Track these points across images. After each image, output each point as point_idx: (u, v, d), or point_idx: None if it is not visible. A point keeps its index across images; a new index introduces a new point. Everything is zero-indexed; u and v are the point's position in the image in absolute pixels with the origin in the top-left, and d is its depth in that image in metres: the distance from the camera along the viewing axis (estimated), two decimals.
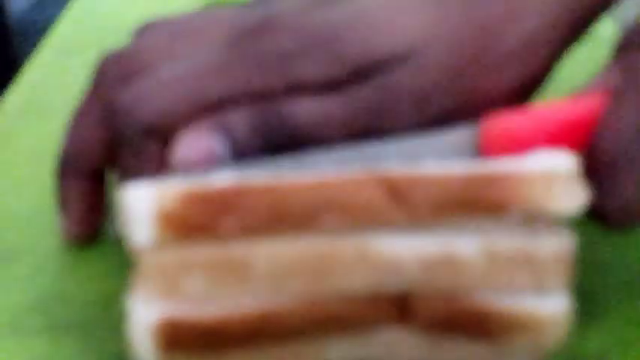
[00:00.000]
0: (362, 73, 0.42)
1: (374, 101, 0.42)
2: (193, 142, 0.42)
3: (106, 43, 0.71)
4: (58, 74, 0.66)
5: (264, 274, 0.36)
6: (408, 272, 0.36)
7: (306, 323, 0.36)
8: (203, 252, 0.36)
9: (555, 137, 0.40)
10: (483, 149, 0.41)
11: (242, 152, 0.42)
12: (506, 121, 0.41)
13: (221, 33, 0.45)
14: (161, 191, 0.36)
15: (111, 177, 0.52)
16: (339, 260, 0.36)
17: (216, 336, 0.36)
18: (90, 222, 0.49)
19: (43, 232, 0.50)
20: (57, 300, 0.45)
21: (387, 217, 0.36)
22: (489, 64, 0.42)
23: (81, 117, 0.47)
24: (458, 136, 0.41)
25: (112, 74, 0.46)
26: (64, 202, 0.48)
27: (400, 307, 0.37)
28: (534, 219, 0.36)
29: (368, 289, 0.36)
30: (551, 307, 0.37)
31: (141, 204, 0.36)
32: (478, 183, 0.36)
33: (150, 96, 0.43)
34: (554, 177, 0.36)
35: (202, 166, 0.41)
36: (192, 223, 0.35)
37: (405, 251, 0.36)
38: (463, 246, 0.36)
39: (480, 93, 0.43)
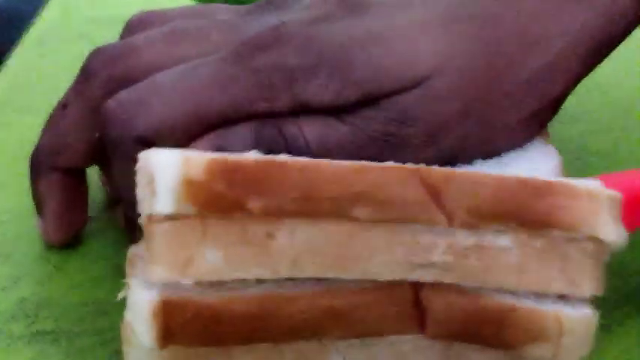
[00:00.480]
0: (372, 98, 0.40)
1: (385, 129, 0.39)
2: None
3: (91, 34, 0.69)
4: (40, 66, 0.65)
5: (285, 250, 0.34)
6: (439, 258, 0.34)
7: (311, 316, 0.35)
8: (222, 222, 0.34)
9: None
10: None
11: None
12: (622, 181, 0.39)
13: (223, 40, 0.42)
14: (187, 159, 0.34)
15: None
16: (367, 242, 0.34)
17: (219, 321, 0.35)
18: (69, 223, 0.47)
19: (26, 236, 0.48)
20: (41, 306, 0.44)
21: (427, 218, 0.34)
22: (505, 93, 0.40)
23: (63, 114, 0.45)
24: None
25: (104, 74, 0.43)
26: (40, 201, 0.46)
27: (415, 306, 0.35)
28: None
29: (393, 275, 0.35)
30: (575, 315, 0.35)
31: (164, 170, 0.34)
32: (523, 198, 0.34)
33: (146, 105, 0.40)
34: (602, 205, 0.35)
35: None
36: (217, 197, 0.33)
37: (438, 237, 0.34)
38: (498, 236, 0.35)
39: (495, 121, 0.41)
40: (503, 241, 0.35)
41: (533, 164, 0.41)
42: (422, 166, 0.35)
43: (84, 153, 0.45)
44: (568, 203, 0.35)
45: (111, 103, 0.41)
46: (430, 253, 0.34)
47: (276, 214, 0.34)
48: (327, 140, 0.39)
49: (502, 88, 0.40)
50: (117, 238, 0.47)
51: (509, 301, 0.35)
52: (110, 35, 0.67)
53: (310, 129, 0.40)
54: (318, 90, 0.39)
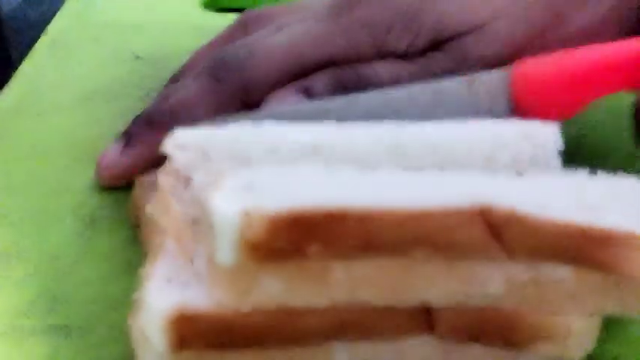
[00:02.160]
0: (438, 42, 0.46)
1: (447, 67, 0.45)
2: (280, 100, 0.47)
3: (104, 39, 0.69)
4: (54, 71, 0.65)
5: (342, 282, 0.34)
6: (495, 290, 0.34)
7: (323, 326, 0.35)
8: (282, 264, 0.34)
9: (596, 77, 0.41)
10: (515, 92, 0.43)
11: None
12: (538, 63, 0.42)
13: (318, 8, 0.49)
14: (248, 218, 0.33)
15: None
16: (423, 275, 0.34)
17: (232, 330, 0.35)
18: (132, 173, 0.50)
19: (40, 233, 0.49)
20: (53, 302, 0.44)
21: (486, 255, 0.34)
22: (558, 40, 0.45)
23: (194, 98, 0.50)
24: (490, 77, 0.43)
25: (235, 81, 0.49)
26: (133, 140, 0.50)
27: (425, 310, 0.36)
28: None
29: (449, 303, 0.35)
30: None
31: (225, 228, 0.33)
32: (586, 247, 0.33)
33: (252, 58, 0.47)
34: None
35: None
36: (277, 251, 0.33)
37: (495, 271, 0.34)
38: (554, 267, 0.34)
39: None
40: (561, 273, 0.34)
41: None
42: (484, 206, 0.34)
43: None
44: (632, 255, 0.34)
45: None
46: (486, 285, 0.34)
47: (333, 257, 0.34)
48: (394, 77, 0.46)
49: (553, 36, 0.45)
50: (128, 235, 0.48)
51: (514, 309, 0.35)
52: (123, 40, 0.68)
53: (383, 70, 0.46)
54: (395, 41, 0.46)
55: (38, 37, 0.85)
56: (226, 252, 0.33)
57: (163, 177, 0.40)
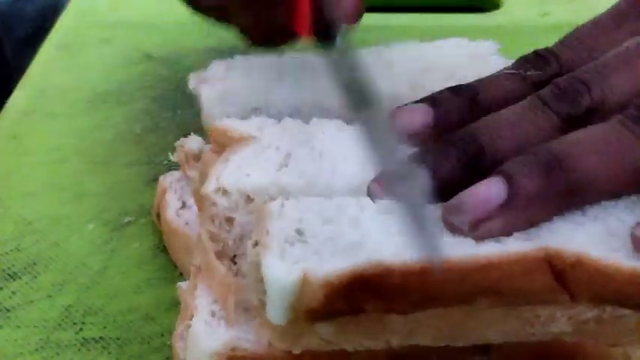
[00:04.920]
0: None
1: None
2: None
3: (112, 39, 0.68)
4: (63, 72, 0.64)
5: (399, 326, 0.33)
6: (557, 329, 0.34)
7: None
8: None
9: None
10: None
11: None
12: None
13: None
14: (305, 282, 0.32)
15: None
16: (484, 318, 0.33)
17: None
18: None
19: (63, 242, 0.48)
20: (87, 313, 0.43)
21: (550, 299, 0.33)
22: None
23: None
24: None
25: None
26: None
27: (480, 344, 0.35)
28: None
29: (507, 340, 0.34)
30: None
31: (278, 290, 0.32)
32: None
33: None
34: None
35: None
36: (333, 311, 0.32)
37: (558, 311, 0.34)
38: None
39: None
40: (623, 310, 0.34)
41: None
42: (551, 250, 0.33)
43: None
44: None
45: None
46: (549, 325, 0.34)
47: (393, 312, 0.33)
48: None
49: None
50: (156, 243, 0.48)
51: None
52: (130, 40, 0.67)
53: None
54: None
55: (32, 32, 0.84)
56: (279, 313, 0.32)
57: (201, 227, 0.39)
